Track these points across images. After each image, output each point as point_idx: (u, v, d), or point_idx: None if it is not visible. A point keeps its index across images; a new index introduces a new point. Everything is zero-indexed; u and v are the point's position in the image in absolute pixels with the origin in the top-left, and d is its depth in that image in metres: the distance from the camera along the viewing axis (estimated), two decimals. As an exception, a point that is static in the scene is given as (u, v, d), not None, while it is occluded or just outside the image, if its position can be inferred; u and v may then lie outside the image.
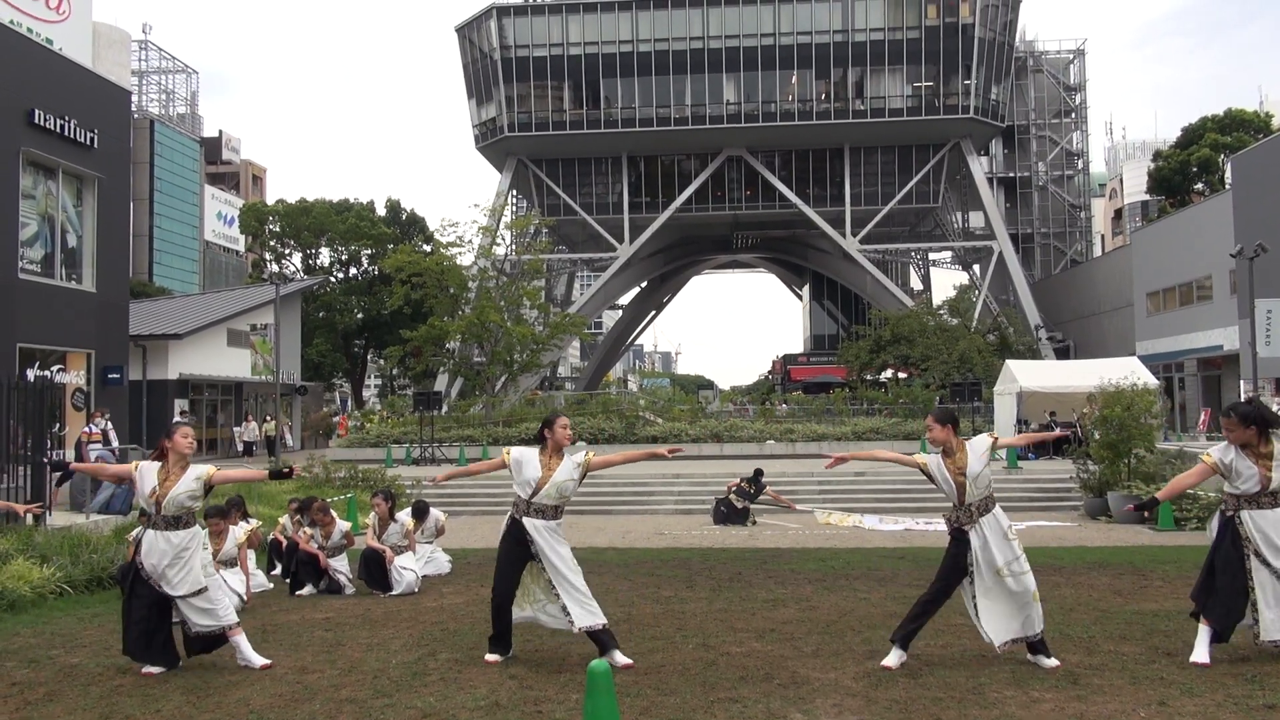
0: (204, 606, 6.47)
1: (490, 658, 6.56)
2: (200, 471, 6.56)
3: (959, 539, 6.31)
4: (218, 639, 6.58)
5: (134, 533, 10.54)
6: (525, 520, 6.47)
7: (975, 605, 6.27)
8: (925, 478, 6.50)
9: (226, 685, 6.16)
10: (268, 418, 32.75)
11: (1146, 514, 6.99)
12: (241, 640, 6.59)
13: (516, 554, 6.51)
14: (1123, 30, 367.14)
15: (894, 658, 6.29)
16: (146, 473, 6.53)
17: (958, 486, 6.26)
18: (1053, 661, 6.20)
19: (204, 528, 7.35)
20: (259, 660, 6.55)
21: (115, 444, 25.52)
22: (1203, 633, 6.33)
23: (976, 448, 6.30)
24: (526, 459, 6.59)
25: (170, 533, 6.41)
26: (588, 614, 6.35)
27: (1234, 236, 28.40)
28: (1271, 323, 21.36)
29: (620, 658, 6.32)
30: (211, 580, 6.69)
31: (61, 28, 48.10)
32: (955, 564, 6.31)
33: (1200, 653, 6.28)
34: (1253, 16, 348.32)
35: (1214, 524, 6.51)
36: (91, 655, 7.08)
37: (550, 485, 6.47)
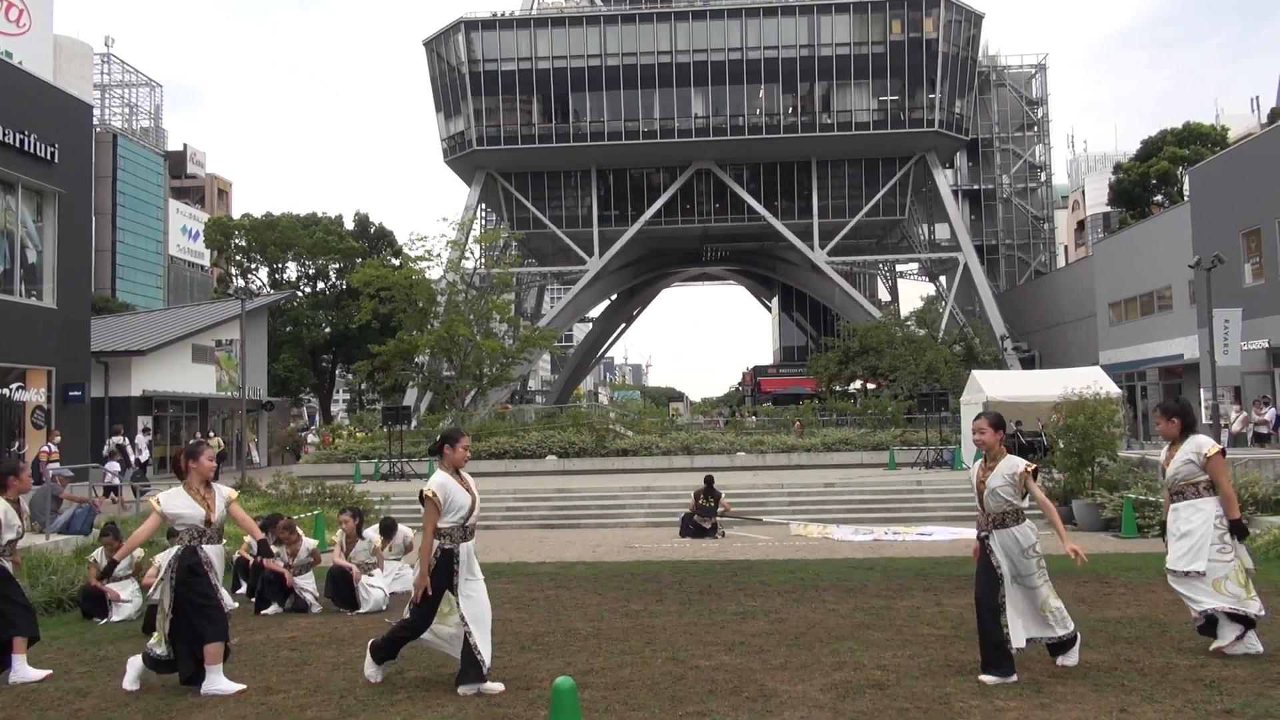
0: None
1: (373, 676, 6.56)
2: (226, 494, 6.76)
3: (984, 544, 6.42)
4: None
5: (95, 554, 10.39)
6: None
7: (1004, 605, 6.30)
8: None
9: (189, 707, 6.08)
10: (210, 434, 32.03)
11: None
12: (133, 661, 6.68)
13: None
14: (1082, 45, 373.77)
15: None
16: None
17: (977, 492, 6.41)
18: (1072, 660, 6.45)
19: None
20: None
21: (139, 455, 25.15)
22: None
23: (1004, 467, 6.29)
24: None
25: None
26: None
27: (1192, 247, 28.91)
28: (1229, 332, 21.71)
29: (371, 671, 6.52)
30: None
31: (21, 40, 47.54)
32: (988, 567, 6.39)
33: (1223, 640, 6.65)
34: (1205, 34, 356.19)
35: None
36: (51, 679, 6.95)
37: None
